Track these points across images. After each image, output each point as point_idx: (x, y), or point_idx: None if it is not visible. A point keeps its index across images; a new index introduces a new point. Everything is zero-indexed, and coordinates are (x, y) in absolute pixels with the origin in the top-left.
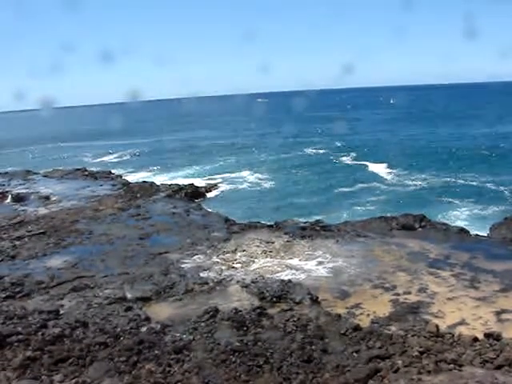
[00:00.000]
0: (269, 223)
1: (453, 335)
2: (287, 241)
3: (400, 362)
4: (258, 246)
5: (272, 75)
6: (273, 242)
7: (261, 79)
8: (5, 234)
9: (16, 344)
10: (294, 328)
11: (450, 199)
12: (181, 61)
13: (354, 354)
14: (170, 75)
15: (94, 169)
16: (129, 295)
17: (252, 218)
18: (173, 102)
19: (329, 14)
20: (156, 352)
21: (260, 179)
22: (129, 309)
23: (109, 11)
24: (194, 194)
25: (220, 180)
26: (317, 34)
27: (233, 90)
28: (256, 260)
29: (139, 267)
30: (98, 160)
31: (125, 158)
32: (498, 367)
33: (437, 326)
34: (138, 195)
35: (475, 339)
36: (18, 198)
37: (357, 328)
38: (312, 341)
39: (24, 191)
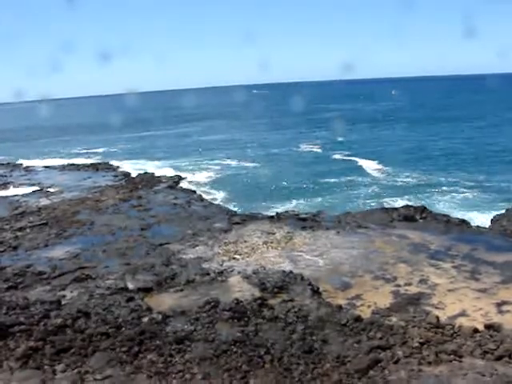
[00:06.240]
0: (270, 214)
1: (453, 326)
2: (288, 232)
3: (400, 352)
4: (259, 237)
5: (269, 67)
6: (274, 233)
7: (257, 71)
8: (7, 224)
9: (18, 334)
10: (295, 319)
11: (451, 190)
12: (178, 55)
13: (355, 344)
14: (168, 68)
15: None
16: (130, 286)
17: (238, 204)
18: (170, 93)
19: (324, 7)
20: (157, 342)
21: (251, 170)
22: (130, 299)
23: (107, 7)
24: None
25: (213, 172)
26: (315, 28)
27: (229, 81)
28: (257, 251)
29: (140, 258)
30: (86, 151)
31: (115, 150)
32: (498, 358)
33: (437, 318)
34: (140, 186)
35: (475, 330)
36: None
37: (357, 319)
38: (313, 331)
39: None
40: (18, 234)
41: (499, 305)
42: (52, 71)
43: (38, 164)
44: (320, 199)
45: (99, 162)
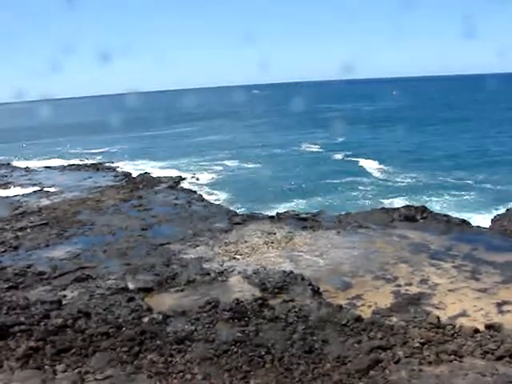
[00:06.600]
0: (270, 214)
1: (454, 326)
2: (288, 232)
3: (401, 352)
4: (259, 237)
5: (269, 68)
6: (274, 233)
7: (258, 71)
8: (7, 224)
9: (19, 334)
10: (296, 319)
11: (451, 190)
12: (178, 55)
13: (355, 344)
14: (168, 68)
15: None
16: (131, 286)
17: (239, 204)
18: (170, 93)
19: (324, 7)
20: (158, 342)
21: (252, 170)
22: (131, 299)
23: (107, 7)
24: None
25: (214, 172)
26: (314, 28)
27: (229, 81)
28: (257, 251)
29: (141, 258)
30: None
31: (116, 150)
32: (499, 358)
33: (438, 318)
34: (140, 186)
35: (476, 330)
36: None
37: (358, 319)
38: (313, 332)
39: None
40: (19, 234)
41: (500, 305)
42: (52, 71)
43: (39, 164)
44: (320, 199)
45: (100, 162)
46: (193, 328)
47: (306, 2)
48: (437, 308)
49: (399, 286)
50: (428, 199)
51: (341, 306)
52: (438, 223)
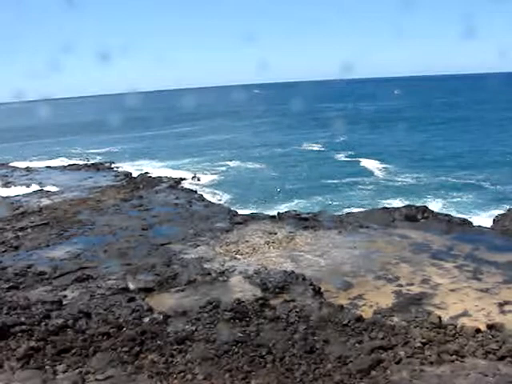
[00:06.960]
0: (271, 214)
1: (455, 326)
2: (290, 232)
3: (402, 352)
4: (260, 237)
5: (270, 67)
6: (275, 233)
7: (258, 71)
8: (8, 224)
9: (19, 334)
10: (297, 319)
11: (453, 190)
12: (178, 55)
13: (357, 344)
14: (168, 68)
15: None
16: (131, 286)
17: (239, 204)
18: (170, 93)
19: (324, 7)
20: (158, 342)
21: (253, 170)
22: (131, 299)
23: (107, 7)
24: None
25: (214, 171)
26: (315, 28)
27: (230, 81)
28: (258, 251)
29: (142, 258)
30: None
31: (116, 150)
32: (501, 358)
33: (439, 318)
34: (141, 186)
35: (478, 330)
36: None
37: (359, 319)
38: (314, 332)
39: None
40: (19, 233)
41: (501, 305)
42: (52, 71)
43: (39, 164)
44: (321, 199)
45: (100, 162)
46: (193, 328)
47: (307, 2)
48: (438, 308)
49: (400, 285)
50: (429, 199)
51: (342, 306)
52: (439, 223)
